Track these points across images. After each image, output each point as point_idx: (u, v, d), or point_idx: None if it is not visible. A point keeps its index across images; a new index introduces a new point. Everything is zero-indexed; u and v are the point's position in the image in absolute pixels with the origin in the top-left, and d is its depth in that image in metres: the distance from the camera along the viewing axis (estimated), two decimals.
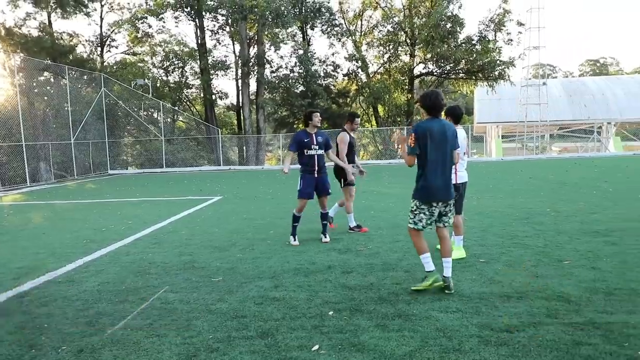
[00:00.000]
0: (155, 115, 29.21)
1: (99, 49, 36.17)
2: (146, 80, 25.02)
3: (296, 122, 34.08)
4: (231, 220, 8.49)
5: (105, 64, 34.54)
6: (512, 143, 34.94)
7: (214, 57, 30.32)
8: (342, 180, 6.92)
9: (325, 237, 6.49)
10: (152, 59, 34.99)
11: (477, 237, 6.21)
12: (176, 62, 32.91)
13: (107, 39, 36.06)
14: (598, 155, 26.72)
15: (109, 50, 36.81)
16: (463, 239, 5.41)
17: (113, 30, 35.99)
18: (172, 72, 33.03)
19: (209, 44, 30.63)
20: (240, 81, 28.92)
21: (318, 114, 6.40)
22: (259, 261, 5.55)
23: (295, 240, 6.38)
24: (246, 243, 6.55)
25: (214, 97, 30.54)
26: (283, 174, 6.45)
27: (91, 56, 36.18)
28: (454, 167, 5.11)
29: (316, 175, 6.33)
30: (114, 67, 33.05)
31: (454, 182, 5.08)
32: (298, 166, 6.51)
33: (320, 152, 6.36)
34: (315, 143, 6.31)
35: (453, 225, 5.36)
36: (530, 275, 4.53)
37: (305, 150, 6.29)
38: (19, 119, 17.96)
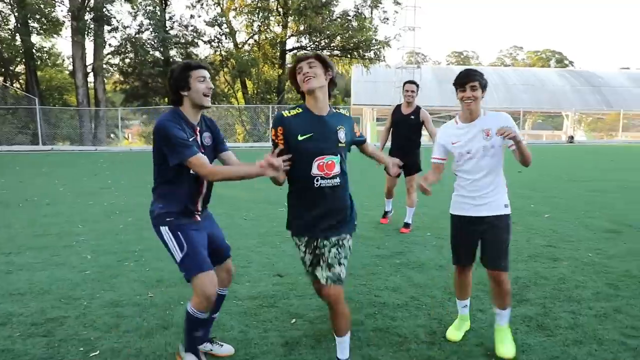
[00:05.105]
0: None
1: None
2: None
3: (151, 94, 29.24)
4: None
5: None
6: None
7: (37, 8, 24.04)
8: None
9: (219, 346, 2.90)
10: None
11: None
12: None
13: None
14: None
15: None
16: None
17: None
18: None
19: None
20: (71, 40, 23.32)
21: (204, 70, 2.55)
22: None
23: None
24: None
25: (36, 58, 24.38)
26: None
27: None
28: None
29: (199, 218, 2.68)
30: None
31: None
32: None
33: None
34: (202, 144, 2.61)
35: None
36: None
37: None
38: None
